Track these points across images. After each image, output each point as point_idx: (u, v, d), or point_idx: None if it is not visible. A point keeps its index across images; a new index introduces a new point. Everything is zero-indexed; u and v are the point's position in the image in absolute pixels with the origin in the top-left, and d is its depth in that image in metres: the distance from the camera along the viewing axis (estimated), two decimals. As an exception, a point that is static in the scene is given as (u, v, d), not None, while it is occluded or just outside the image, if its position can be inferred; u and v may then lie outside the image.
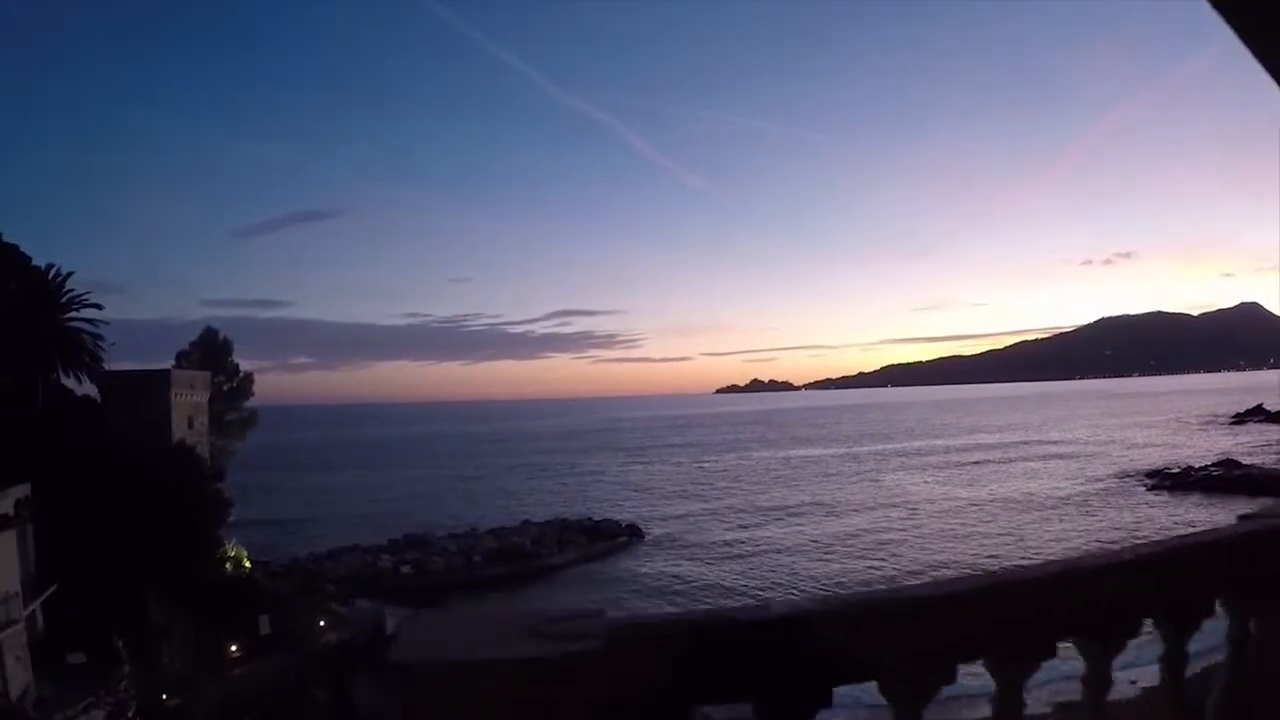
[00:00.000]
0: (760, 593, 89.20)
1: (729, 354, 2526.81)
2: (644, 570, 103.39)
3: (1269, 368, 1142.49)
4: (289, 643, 63.24)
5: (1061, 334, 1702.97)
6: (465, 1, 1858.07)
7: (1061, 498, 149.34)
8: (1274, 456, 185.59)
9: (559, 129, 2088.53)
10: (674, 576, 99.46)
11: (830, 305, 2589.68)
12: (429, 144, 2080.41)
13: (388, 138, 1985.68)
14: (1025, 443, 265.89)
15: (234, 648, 60.19)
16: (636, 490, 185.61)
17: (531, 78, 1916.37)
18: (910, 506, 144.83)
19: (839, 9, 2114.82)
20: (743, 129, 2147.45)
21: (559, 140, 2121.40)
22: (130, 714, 45.29)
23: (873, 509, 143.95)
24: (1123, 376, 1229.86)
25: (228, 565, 74.52)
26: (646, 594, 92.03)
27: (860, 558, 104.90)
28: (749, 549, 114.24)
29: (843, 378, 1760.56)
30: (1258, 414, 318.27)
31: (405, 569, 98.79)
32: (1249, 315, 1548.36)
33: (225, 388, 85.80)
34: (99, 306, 70.11)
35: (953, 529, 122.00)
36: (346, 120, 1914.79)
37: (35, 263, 68.67)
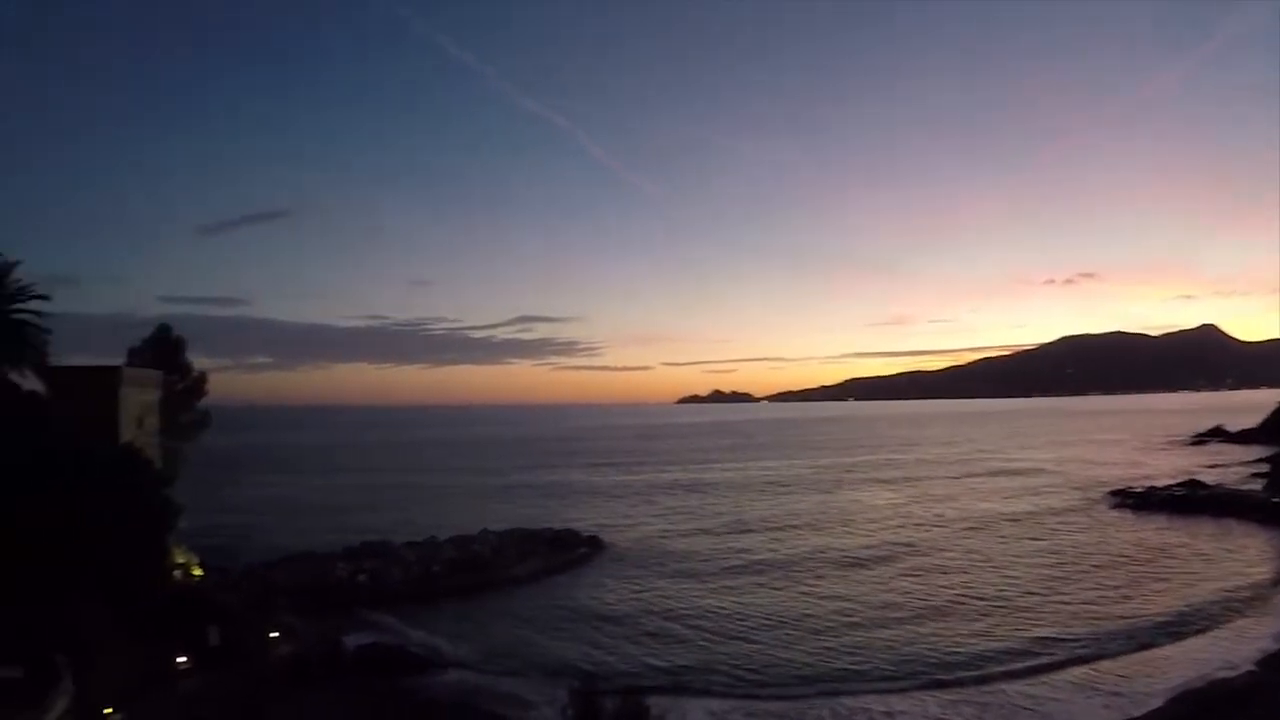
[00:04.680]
0: (720, 615, 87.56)
1: (689, 364, 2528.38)
2: (604, 585, 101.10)
3: (1226, 388, 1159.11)
4: (240, 655, 60.78)
5: (1023, 351, 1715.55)
6: (432, 5, 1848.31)
7: (1024, 516, 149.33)
8: (1236, 477, 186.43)
9: (523, 135, 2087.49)
10: (632, 592, 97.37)
11: (791, 318, 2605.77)
12: (392, 146, 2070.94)
13: (351, 139, 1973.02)
14: (988, 460, 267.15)
15: (182, 660, 57.59)
16: (599, 501, 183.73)
17: (496, 83, 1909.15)
18: (874, 525, 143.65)
19: (805, 26, 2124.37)
20: (706, 142, 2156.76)
21: (522, 146, 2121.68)
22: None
23: (835, 527, 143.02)
24: (1083, 395, 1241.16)
25: (176, 573, 71.88)
26: (604, 607, 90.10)
27: (817, 582, 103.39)
28: (711, 567, 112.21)
29: (804, 390, 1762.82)
30: (1217, 434, 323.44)
31: (362, 578, 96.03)
32: (1207, 337, 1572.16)
33: (178, 387, 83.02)
34: (46, 298, 67.21)
35: (918, 549, 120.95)
36: (310, 120, 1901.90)
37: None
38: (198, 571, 78.17)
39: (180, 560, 74.70)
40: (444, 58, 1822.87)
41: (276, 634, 67.07)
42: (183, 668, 57.14)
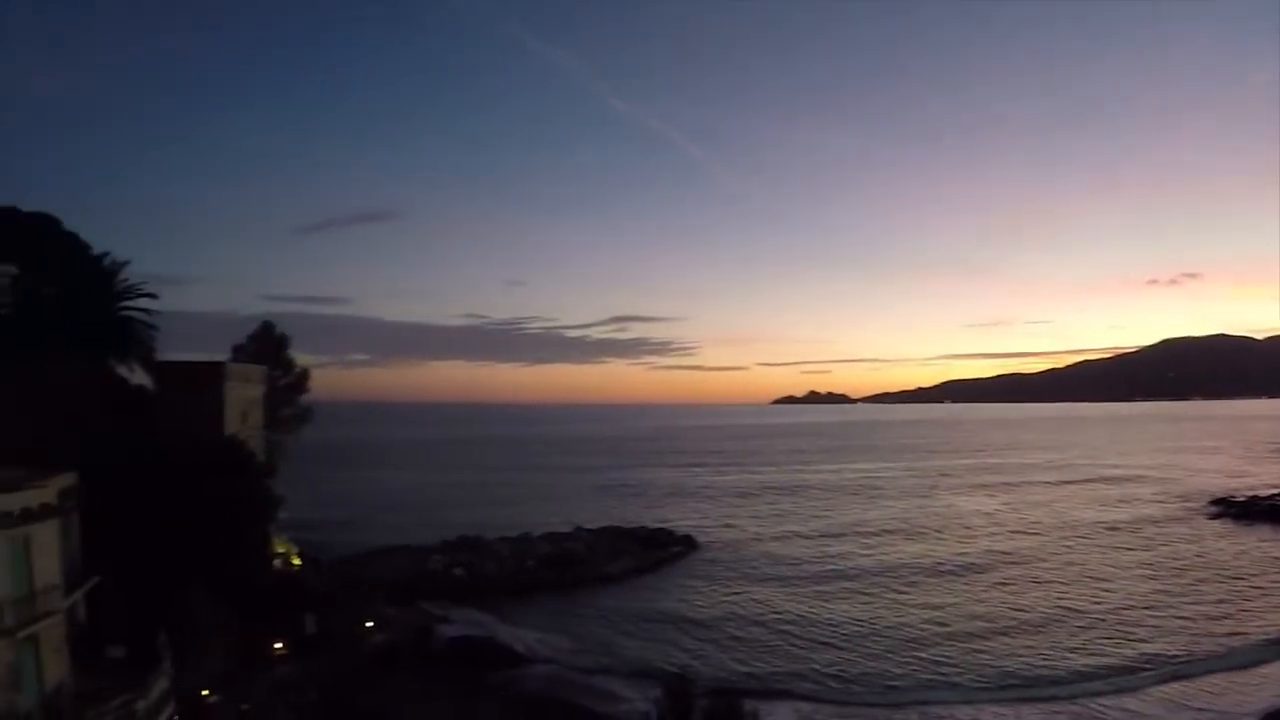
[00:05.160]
0: (809, 621, 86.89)
1: (785, 364, 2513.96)
2: (695, 586, 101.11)
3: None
4: (335, 643, 61.99)
5: (1123, 354, 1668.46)
6: (529, 11, 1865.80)
7: (1123, 525, 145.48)
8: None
9: (617, 137, 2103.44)
10: (723, 595, 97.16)
11: (887, 319, 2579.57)
12: (490, 149, 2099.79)
13: (449, 142, 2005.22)
14: (1086, 466, 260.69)
15: (278, 646, 59.02)
16: (692, 501, 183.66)
17: (592, 86, 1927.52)
18: (969, 532, 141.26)
19: (903, 26, 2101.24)
20: (802, 142, 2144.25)
21: (617, 148, 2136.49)
22: (169, 711, 44.02)
23: (929, 534, 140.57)
24: (1185, 399, 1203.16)
25: (276, 562, 73.51)
26: (694, 609, 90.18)
27: (910, 590, 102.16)
28: (803, 571, 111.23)
29: (901, 392, 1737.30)
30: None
31: (458, 571, 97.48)
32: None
33: (281, 382, 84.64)
34: (154, 296, 69.49)
35: (1014, 558, 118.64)
36: (409, 124, 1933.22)
37: (93, 251, 68.23)
38: (297, 561, 79.97)
39: (280, 550, 76.47)
40: (540, 63, 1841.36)
41: (371, 624, 68.33)
42: (279, 654, 58.61)
